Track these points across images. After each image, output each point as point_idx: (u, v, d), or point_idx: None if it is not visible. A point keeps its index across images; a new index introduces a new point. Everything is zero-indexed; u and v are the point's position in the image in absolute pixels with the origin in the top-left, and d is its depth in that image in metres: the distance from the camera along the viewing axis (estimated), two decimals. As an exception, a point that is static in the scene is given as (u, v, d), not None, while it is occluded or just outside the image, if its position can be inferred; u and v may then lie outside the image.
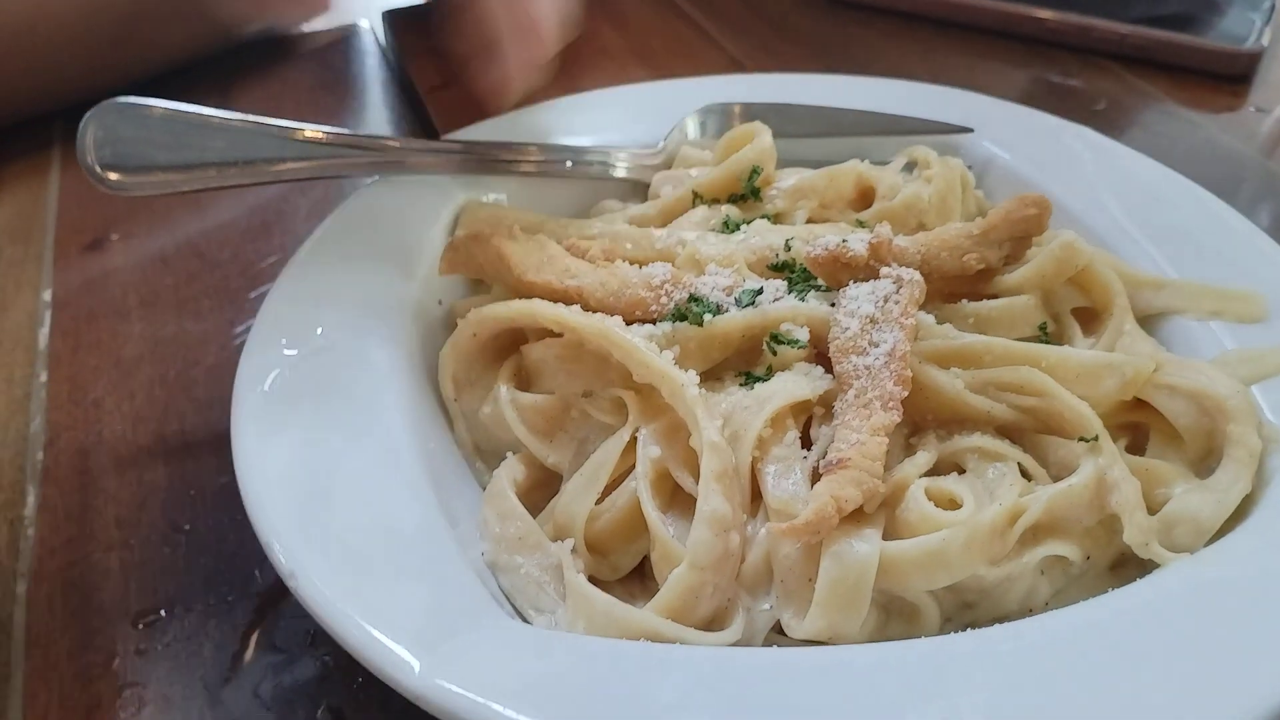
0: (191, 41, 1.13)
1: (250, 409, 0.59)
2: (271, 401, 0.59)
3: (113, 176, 0.71)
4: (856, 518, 0.51)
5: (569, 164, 0.81)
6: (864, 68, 1.15)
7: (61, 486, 0.67)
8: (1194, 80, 1.10)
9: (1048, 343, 0.64)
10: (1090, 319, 0.67)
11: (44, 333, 0.80)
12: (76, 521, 0.65)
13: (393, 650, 0.46)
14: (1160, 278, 0.67)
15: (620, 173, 0.83)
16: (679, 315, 0.61)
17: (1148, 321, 0.66)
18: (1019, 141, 0.82)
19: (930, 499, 0.52)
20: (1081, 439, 0.55)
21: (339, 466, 0.56)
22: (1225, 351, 0.62)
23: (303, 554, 0.50)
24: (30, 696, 0.55)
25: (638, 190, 0.83)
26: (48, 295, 0.84)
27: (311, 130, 0.76)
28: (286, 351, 0.63)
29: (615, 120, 0.88)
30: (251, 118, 0.76)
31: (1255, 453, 0.54)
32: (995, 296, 0.66)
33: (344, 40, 1.26)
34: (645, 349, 0.57)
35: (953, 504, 0.53)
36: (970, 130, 0.83)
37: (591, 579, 0.55)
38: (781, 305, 0.61)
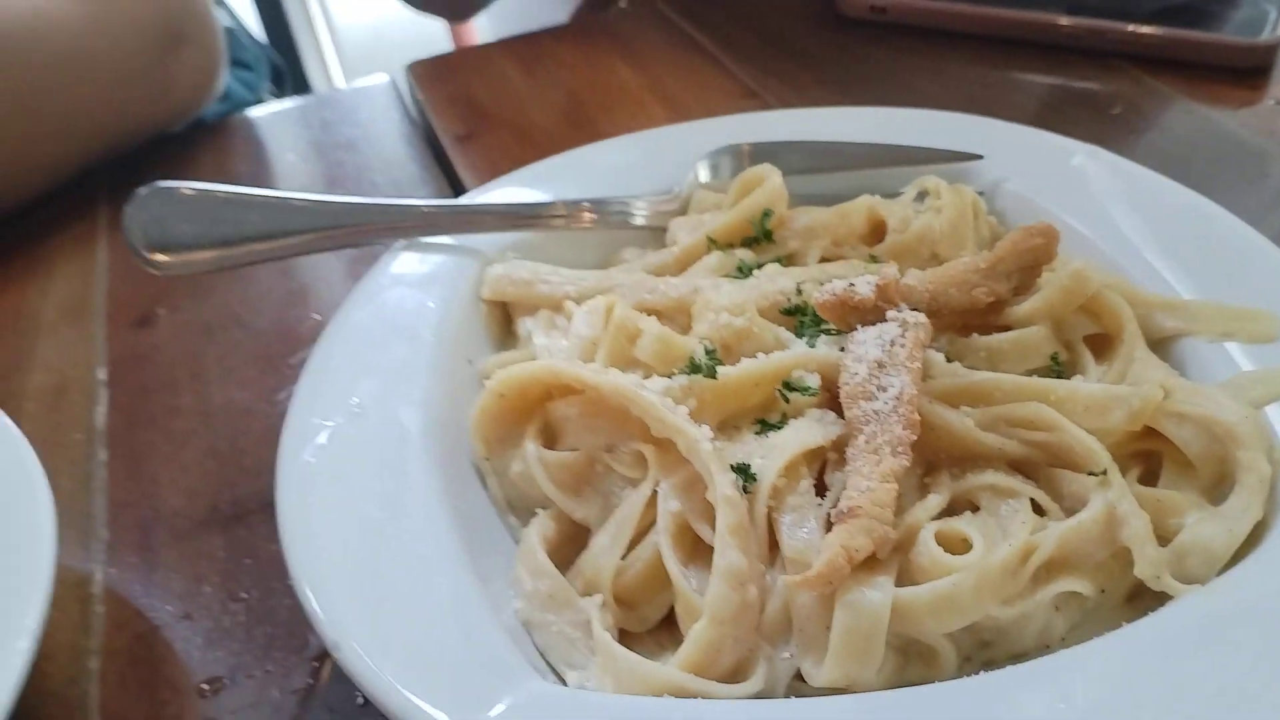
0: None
1: (292, 484, 0.62)
2: (311, 474, 0.63)
3: (159, 258, 0.76)
4: (870, 564, 0.52)
5: (591, 216, 0.84)
6: (877, 85, 1.17)
7: (125, 563, 0.71)
8: (1210, 76, 1.09)
9: (1060, 372, 0.65)
10: (1104, 344, 0.67)
11: (100, 411, 0.85)
12: (141, 596, 0.69)
13: (434, 717, 0.49)
14: (1172, 299, 0.67)
15: (639, 221, 0.85)
16: (694, 368, 0.63)
17: (1161, 344, 0.67)
18: (1029, 165, 0.83)
19: (942, 541, 0.54)
20: (1091, 473, 0.56)
21: (377, 534, 0.59)
22: (1239, 373, 0.62)
23: (346, 626, 0.53)
24: (107, 769, 0.59)
25: (656, 237, 0.85)
26: (102, 374, 0.89)
27: (341, 200, 0.80)
28: (324, 423, 0.66)
29: (633, 166, 0.90)
30: (282, 193, 0.80)
31: (1266, 478, 0.55)
32: (1008, 327, 0.67)
33: (369, 97, 1.30)
34: (660, 405, 0.59)
35: (965, 544, 0.54)
36: (979, 157, 0.83)
37: (623, 631, 0.58)
38: (792, 353, 0.63)
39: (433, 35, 2.58)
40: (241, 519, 0.74)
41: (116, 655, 0.65)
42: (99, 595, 0.69)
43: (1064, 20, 1.17)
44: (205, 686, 0.63)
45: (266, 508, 0.74)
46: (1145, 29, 1.13)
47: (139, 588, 0.70)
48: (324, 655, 0.64)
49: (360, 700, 0.61)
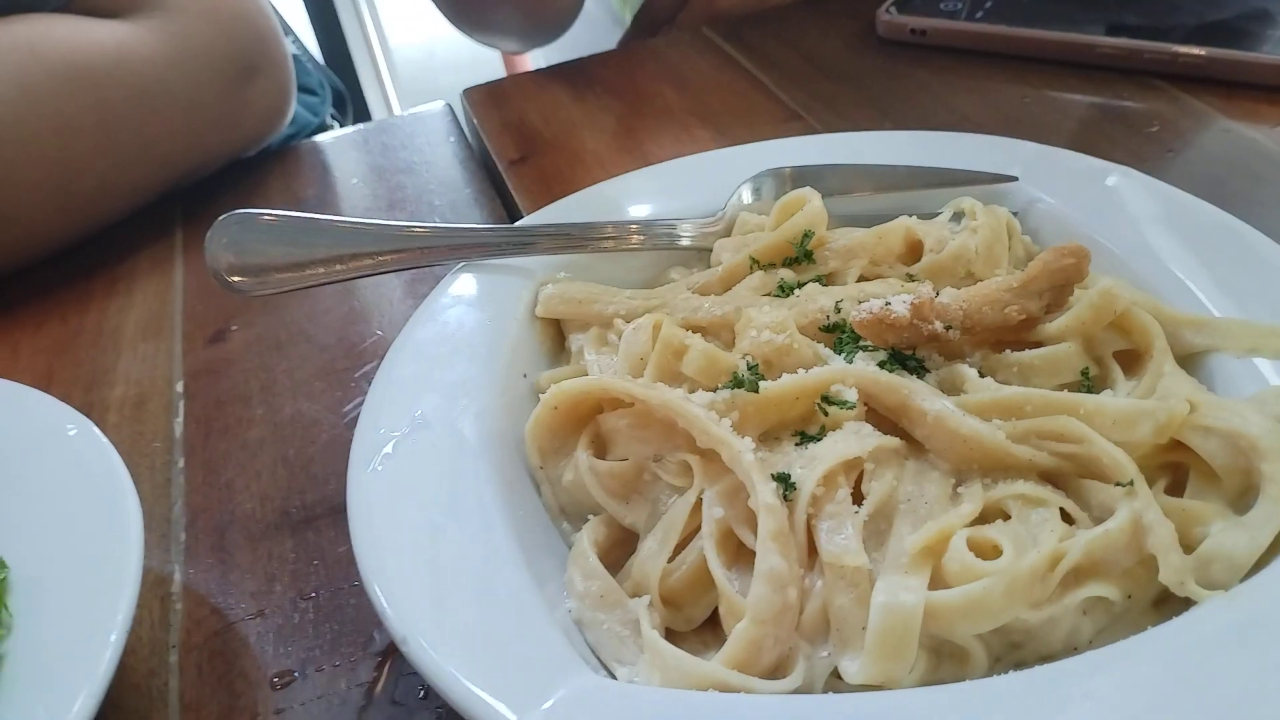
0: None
1: (362, 490, 0.66)
2: (379, 480, 0.67)
3: (237, 280, 0.81)
4: (905, 569, 0.55)
5: (639, 238, 0.88)
6: (918, 106, 1.19)
7: (202, 564, 0.76)
8: (1249, 95, 1.10)
9: (1090, 387, 0.67)
10: (1133, 360, 0.70)
11: (178, 422, 0.90)
12: (217, 594, 0.74)
13: (493, 706, 0.52)
14: (1200, 316, 0.69)
15: (685, 242, 0.89)
16: (737, 382, 0.67)
17: (1190, 359, 0.69)
18: (1062, 186, 0.85)
19: (974, 547, 0.56)
20: (1118, 484, 0.58)
21: (440, 538, 0.63)
22: (1265, 389, 0.64)
23: (412, 621, 0.57)
24: (189, 754, 0.64)
25: (702, 258, 0.88)
26: (180, 386, 0.94)
27: (405, 225, 0.85)
28: (390, 433, 0.71)
29: (679, 190, 0.94)
30: (350, 219, 0.85)
31: (1289, 489, 0.57)
32: (1040, 344, 0.69)
33: (426, 122, 1.36)
34: (705, 417, 0.63)
35: (996, 551, 0.57)
36: (1014, 179, 0.86)
37: (669, 631, 0.61)
38: (831, 368, 0.66)
39: (484, 57, 2.65)
40: (310, 523, 0.78)
41: (194, 650, 0.70)
42: (178, 594, 0.74)
43: (1103, 41, 1.19)
44: (276, 679, 0.67)
45: (333, 513, 0.79)
46: (1184, 49, 1.15)
47: (215, 587, 0.74)
48: (387, 651, 0.68)
49: (421, 693, 0.65)
